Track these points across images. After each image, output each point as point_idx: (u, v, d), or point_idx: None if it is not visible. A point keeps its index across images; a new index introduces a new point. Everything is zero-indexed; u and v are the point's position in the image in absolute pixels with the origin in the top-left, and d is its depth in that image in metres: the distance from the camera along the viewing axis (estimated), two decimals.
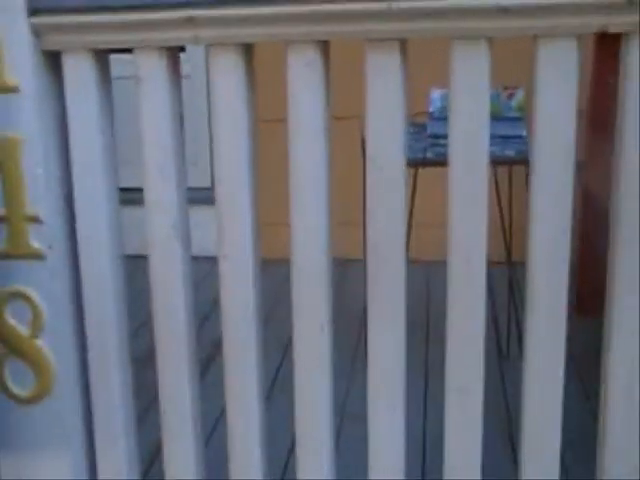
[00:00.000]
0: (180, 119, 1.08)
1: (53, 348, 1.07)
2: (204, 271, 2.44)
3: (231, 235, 1.07)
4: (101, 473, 1.15)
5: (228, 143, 1.06)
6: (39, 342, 1.07)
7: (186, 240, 1.10)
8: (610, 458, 1.05)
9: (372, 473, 1.11)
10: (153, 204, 1.08)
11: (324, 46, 1.02)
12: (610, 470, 1.06)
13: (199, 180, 3.44)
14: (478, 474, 1.08)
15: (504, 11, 0.95)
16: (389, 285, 1.05)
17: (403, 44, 1.00)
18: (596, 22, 0.95)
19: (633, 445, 1.04)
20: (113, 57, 1.10)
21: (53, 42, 1.04)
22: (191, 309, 1.12)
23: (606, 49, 2.47)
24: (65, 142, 1.08)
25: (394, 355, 1.07)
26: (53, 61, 1.06)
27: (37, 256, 1.05)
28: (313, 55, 1.01)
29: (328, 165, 1.04)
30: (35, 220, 1.05)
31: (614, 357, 1.03)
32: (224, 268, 1.09)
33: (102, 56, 1.07)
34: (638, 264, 1.00)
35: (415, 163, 2.29)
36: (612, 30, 0.95)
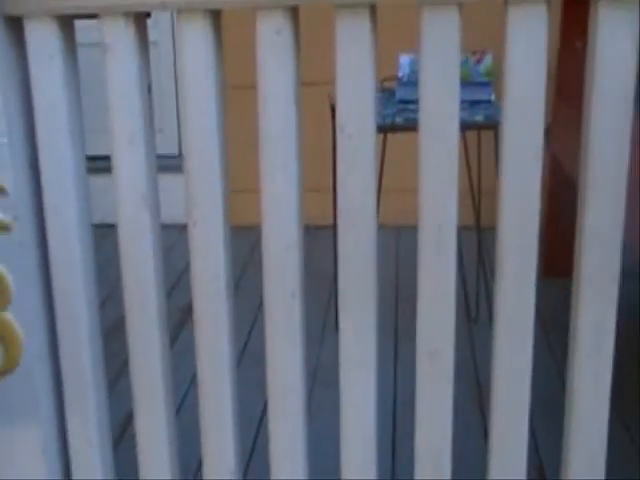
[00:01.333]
0: (148, 87, 1.07)
1: (21, 320, 1.06)
2: (171, 239, 2.44)
3: (201, 202, 1.07)
4: (72, 443, 1.15)
5: (196, 110, 1.04)
6: (7, 315, 1.06)
7: (155, 210, 1.09)
8: (577, 420, 1.07)
9: (344, 441, 1.11)
10: (122, 174, 1.07)
11: (293, 13, 1.01)
12: (576, 433, 1.07)
13: (166, 147, 3.42)
14: (449, 438, 1.09)
15: None
16: (360, 252, 1.05)
17: (373, 10, 0.99)
18: None
19: (601, 407, 1.06)
20: (80, 23, 1.08)
21: (14, 6, 1.02)
22: (161, 278, 1.11)
23: (574, 13, 2.48)
24: (30, 111, 1.06)
25: (365, 320, 1.07)
26: (15, 26, 1.04)
27: (2, 227, 1.04)
28: (282, 22, 1.00)
29: (298, 133, 1.04)
30: (0, 191, 1.03)
31: (581, 317, 1.04)
32: (194, 235, 1.08)
33: (67, 22, 1.05)
34: (605, 227, 1.01)
35: (384, 129, 2.29)
36: None
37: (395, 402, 2.10)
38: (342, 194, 1.04)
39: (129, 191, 1.07)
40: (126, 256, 1.09)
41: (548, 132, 2.64)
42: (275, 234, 1.06)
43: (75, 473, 1.16)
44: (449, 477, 1.11)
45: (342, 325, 1.08)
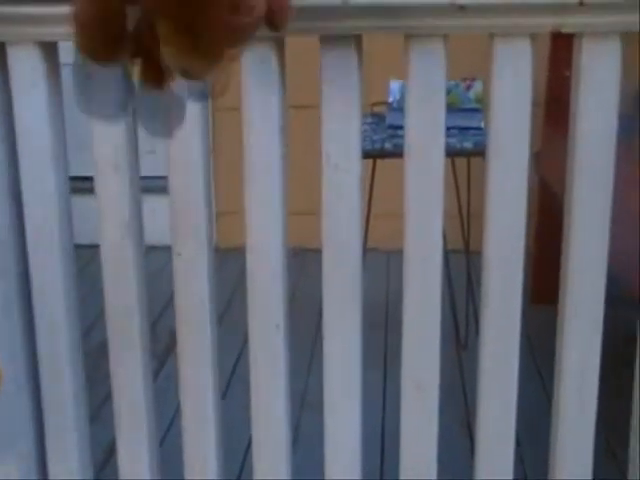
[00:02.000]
0: (133, 111, 1.06)
1: (1, 350, 1.05)
2: (163, 260, 2.42)
3: (185, 229, 1.06)
4: (52, 475, 1.14)
5: (181, 132, 1.04)
6: None
7: (139, 238, 1.08)
8: (562, 446, 1.06)
9: (329, 469, 1.10)
10: (105, 201, 1.06)
11: (279, 43, 1.01)
12: (562, 458, 1.07)
13: (157, 169, 3.41)
14: (434, 470, 1.09)
15: (460, 9, 0.94)
16: (345, 280, 1.05)
17: (358, 40, 0.99)
18: (550, 22, 0.95)
19: (586, 428, 1.05)
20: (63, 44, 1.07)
21: None
22: (145, 306, 1.10)
23: (562, 43, 2.49)
24: (12, 135, 1.05)
25: (350, 346, 1.07)
26: None
27: None
28: (267, 52, 1.00)
29: (283, 159, 1.03)
30: None
31: (567, 342, 1.04)
32: (178, 266, 1.07)
33: (50, 47, 1.04)
34: (591, 252, 1.01)
35: (373, 155, 2.29)
36: (565, 30, 0.95)
37: (383, 431, 2.09)
38: (328, 223, 1.03)
39: (112, 218, 1.07)
40: (108, 284, 1.09)
41: (537, 157, 2.65)
42: (259, 263, 1.06)
43: None
44: None
45: (326, 351, 1.08)
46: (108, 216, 1.06)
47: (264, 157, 1.02)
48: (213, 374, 1.10)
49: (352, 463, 1.10)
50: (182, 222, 1.06)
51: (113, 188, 1.05)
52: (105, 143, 1.04)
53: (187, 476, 1.13)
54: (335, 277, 1.05)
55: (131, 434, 1.12)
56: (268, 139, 1.01)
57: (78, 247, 1.12)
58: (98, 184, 1.06)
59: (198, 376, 1.10)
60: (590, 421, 1.06)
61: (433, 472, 1.09)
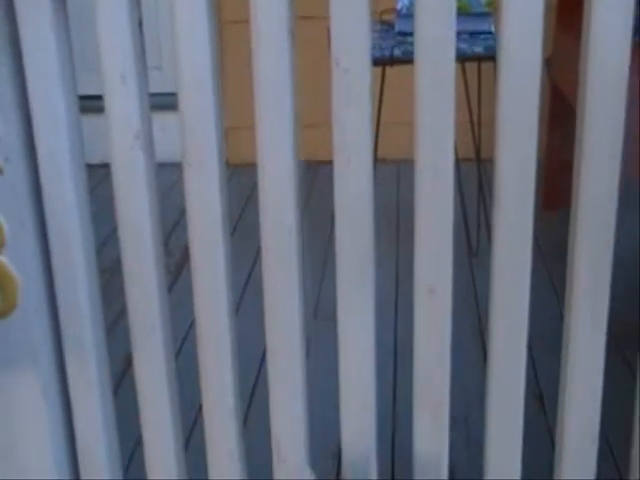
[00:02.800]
0: (139, 23, 1.04)
1: (17, 262, 1.06)
2: (173, 177, 2.43)
3: (195, 142, 1.05)
4: (72, 384, 1.16)
5: (189, 46, 1.02)
6: (1, 257, 1.05)
7: (149, 149, 1.07)
8: (574, 354, 1.07)
9: (343, 381, 1.12)
10: (114, 113, 1.05)
11: None
12: (573, 366, 1.08)
13: (164, 85, 3.37)
14: (447, 374, 1.10)
15: None
16: (356, 187, 1.04)
17: None
18: None
19: (597, 341, 1.06)
20: None
21: None
22: (157, 219, 1.10)
23: None
24: (17, 52, 1.03)
25: (362, 254, 1.07)
26: None
27: None
28: None
29: (292, 68, 1.01)
30: None
31: (579, 249, 1.03)
32: (189, 176, 1.07)
33: None
34: (603, 157, 1.00)
35: (383, 62, 2.26)
36: None
37: (395, 337, 2.12)
38: (337, 129, 1.02)
39: (122, 131, 1.05)
40: (120, 198, 1.08)
41: (549, 63, 2.60)
42: (271, 171, 1.05)
43: (76, 413, 1.17)
44: (447, 411, 1.11)
45: (339, 263, 1.08)
46: (117, 128, 1.05)
47: (273, 63, 1.00)
48: (227, 287, 1.10)
49: (365, 370, 1.11)
50: (192, 136, 1.04)
51: (121, 99, 1.04)
52: (112, 52, 1.02)
53: (203, 385, 1.15)
54: (345, 183, 1.04)
55: (146, 346, 1.14)
56: (277, 45, 0.99)
57: (88, 167, 1.12)
58: (107, 96, 1.04)
59: (212, 289, 1.10)
60: (601, 329, 1.06)
61: (446, 376, 1.10)
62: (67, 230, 1.09)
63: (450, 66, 0.99)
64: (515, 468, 1.13)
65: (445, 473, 1.14)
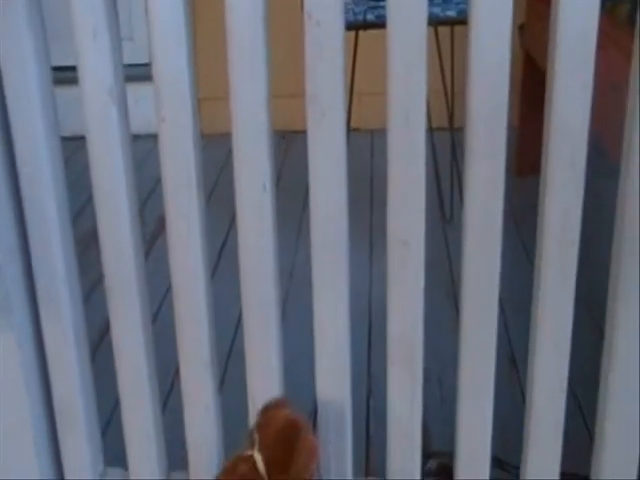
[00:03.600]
0: None
1: None
2: (145, 149, 2.42)
3: (170, 112, 1.05)
4: (48, 341, 1.17)
5: (162, 15, 1.02)
6: None
7: (123, 107, 1.06)
8: (543, 308, 1.09)
9: (318, 338, 1.14)
10: (87, 70, 1.04)
11: None
12: (543, 321, 1.10)
13: (136, 56, 3.34)
14: (420, 326, 1.11)
15: None
16: (329, 149, 1.04)
17: None
18: None
19: (566, 290, 1.09)
20: None
21: None
22: (132, 178, 1.09)
23: None
24: None
25: (336, 219, 1.08)
26: None
27: None
28: None
29: (266, 38, 1.02)
30: None
31: (548, 208, 1.05)
32: (164, 144, 1.07)
33: None
34: (572, 122, 1.01)
35: (355, 26, 2.26)
36: None
37: (370, 301, 2.14)
38: (310, 82, 1.02)
39: (95, 87, 1.04)
40: (96, 157, 1.08)
41: (522, 30, 2.61)
42: (245, 138, 1.05)
43: (52, 368, 1.18)
44: (421, 365, 1.13)
45: (313, 225, 1.09)
46: (90, 85, 1.04)
47: (247, 31, 1.00)
48: (203, 254, 1.11)
49: (340, 330, 1.13)
50: (167, 91, 1.04)
51: (94, 55, 1.03)
52: (83, 7, 1.01)
53: (180, 351, 1.16)
54: (319, 143, 1.04)
55: (124, 310, 1.15)
56: (251, 17, 0.99)
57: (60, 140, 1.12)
58: (79, 53, 1.03)
59: (188, 256, 1.11)
60: (570, 285, 1.08)
61: (420, 329, 1.11)
62: (43, 204, 1.09)
63: (422, 29, 0.99)
64: (487, 426, 1.16)
65: (418, 429, 1.16)
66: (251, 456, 1.07)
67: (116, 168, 1.08)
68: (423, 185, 1.05)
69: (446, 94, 2.60)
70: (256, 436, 1.08)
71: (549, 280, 1.07)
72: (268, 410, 1.11)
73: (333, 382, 1.16)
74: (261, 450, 1.07)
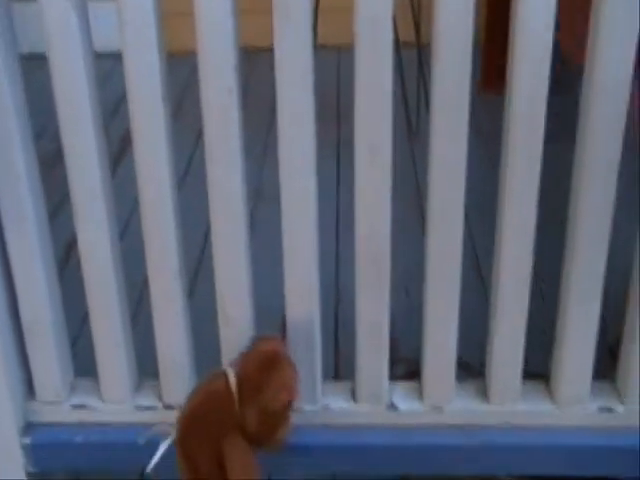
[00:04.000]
0: None
1: None
2: (107, 68, 2.39)
3: (134, 27, 1.03)
4: (14, 263, 1.16)
5: None
6: None
7: (84, 14, 1.03)
8: (509, 201, 1.10)
9: (286, 250, 1.14)
10: None
11: None
12: (510, 210, 1.11)
13: None
14: (387, 228, 1.12)
15: None
16: (296, 71, 1.04)
17: None
18: None
19: (528, 209, 1.10)
20: None
21: None
22: (94, 84, 1.07)
23: None
24: None
25: (303, 135, 1.07)
26: None
27: None
28: None
29: None
30: None
31: (516, 95, 1.04)
32: (128, 61, 1.05)
33: None
34: (537, 30, 1.00)
35: None
36: None
37: (338, 211, 2.16)
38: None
39: None
40: (57, 69, 1.06)
41: None
42: (210, 57, 1.04)
43: (18, 286, 1.18)
44: (388, 266, 1.15)
45: (281, 141, 1.08)
46: None
47: None
48: (169, 162, 1.11)
49: (309, 248, 1.14)
50: (130, 17, 1.02)
51: None
52: None
53: (149, 262, 1.17)
54: (286, 65, 1.04)
55: (91, 226, 1.14)
56: None
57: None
58: None
59: (154, 167, 1.10)
60: (535, 178, 1.09)
61: (387, 235, 1.13)
62: (6, 123, 1.07)
63: None
64: (452, 331, 1.19)
65: (386, 331, 1.19)
66: (224, 371, 1.10)
67: (79, 79, 1.07)
68: (390, 92, 1.05)
69: (413, 10, 2.58)
70: (237, 358, 1.12)
71: (515, 170, 1.08)
72: (257, 340, 1.14)
73: (302, 296, 1.17)
74: (237, 368, 1.11)
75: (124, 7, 1.03)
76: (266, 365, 1.08)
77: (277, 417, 1.10)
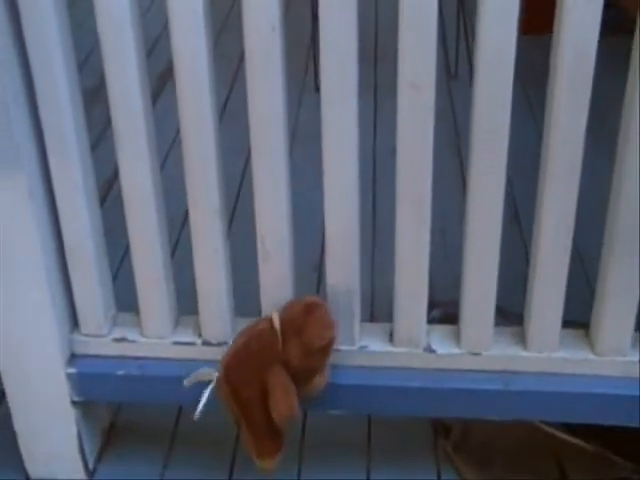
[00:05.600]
0: None
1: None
2: (144, 4, 2.37)
3: None
4: (57, 187, 1.16)
5: None
6: None
7: None
8: (553, 157, 1.08)
9: (327, 182, 1.13)
10: None
11: None
12: (552, 170, 1.09)
13: None
14: (429, 166, 1.10)
15: None
16: (340, 10, 1.02)
17: None
18: None
19: (574, 155, 1.08)
20: None
21: None
22: (139, 26, 1.06)
23: None
24: None
25: (345, 78, 1.06)
26: None
27: None
28: None
29: None
30: None
31: (562, 50, 1.02)
32: None
33: None
34: None
35: None
36: None
37: (374, 152, 2.15)
38: None
39: None
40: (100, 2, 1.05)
41: None
42: None
43: (62, 216, 1.19)
44: (429, 207, 1.13)
45: (323, 77, 1.07)
46: None
47: None
48: (211, 99, 1.10)
49: (349, 185, 1.13)
50: None
51: None
52: None
53: (190, 196, 1.16)
54: (330, 6, 1.02)
55: (133, 159, 1.14)
56: None
57: None
58: None
59: (196, 102, 1.09)
60: (581, 129, 1.07)
61: (428, 173, 1.11)
62: (44, 32, 1.06)
63: None
64: (492, 278, 1.17)
65: (425, 273, 1.18)
66: (269, 317, 1.15)
67: (122, 12, 1.05)
68: (435, 30, 1.03)
69: None
70: (279, 308, 1.17)
71: (560, 128, 1.06)
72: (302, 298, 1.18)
73: (341, 236, 1.16)
74: (281, 313, 1.16)
75: None
76: (308, 309, 1.13)
77: (318, 356, 1.14)
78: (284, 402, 1.12)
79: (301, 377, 1.15)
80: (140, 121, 1.12)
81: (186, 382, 1.19)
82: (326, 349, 1.14)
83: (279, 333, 1.13)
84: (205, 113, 1.10)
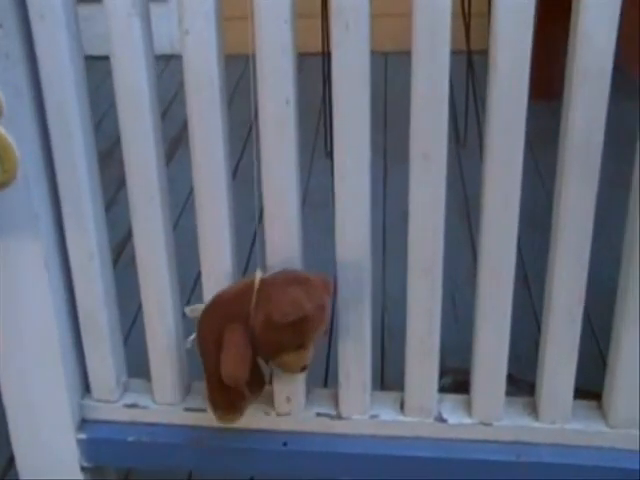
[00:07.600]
0: None
1: (15, 134, 1.02)
2: (157, 70, 2.41)
3: (193, 22, 1.04)
4: (72, 256, 1.17)
5: None
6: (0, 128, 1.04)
7: (146, 20, 1.04)
8: (563, 225, 1.09)
9: (339, 248, 1.14)
10: None
11: None
12: (563, 234, 1.09)
13: None
14: (441, 236, 1.11)
15: None
16: (353, 77, 1.04)
17: None
18: None
19: (586, 219, 1.09)
20: None
21: None
22: (154, 90, 1.09)
23: None
24: None
25: (359, 141, 1.08)
26: None
27: None
28: None
29: None
30: None
31: (570, 138, 1.04)
32: (188, 57, 1.06)
33: None
34: (599, 43, 0.99)
35: None
36: None
37: (384, 220, 2.16)
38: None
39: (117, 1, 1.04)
40: (119, 68, 1.07)
41: None
42: (268, 55, 1.04)
43: (77, 284, 1.19)
44: (440, 275, 1.14)
45: (337, 147, 1.08)
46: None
47: None
48: (224, 154, 1.11)
49: (360, 248, 1.14)
50: (190, 14, 1.03)
51: None
52: None
53: (203, 261, 1.17)
54: (344, 73, 1.04)
55: (145, 222, 1.15)
56: None
57: None
58: None
59: (211, 157, 1.11)
60: (592, 194, 1.07)
61: (440, 243, 1.12)
62: (65, 102, 1.08)
63: None
64: (504, 345, 1.17)
65: (436, 343, 1.17)
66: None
67: (139, 79, 1.07)
68: (446, 99, 1.04)
69: (464, 18, 2.57)
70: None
71: (571, 191, 1.07)
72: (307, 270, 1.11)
73: (353, 301, 1.16)
74: (271, 275, 1.10)
75: (185, 14, 1.04)
76: (291, 280, 1.07)
77: (285, 333, 1.05)
78: (231, 361, 1.05)
79: (265, 348, 1.08)
80: (154, 184, 1.13)
81: (188, 344, 1.16)
82: (297, 328, 1.04)
83: (255, 294, 1.05)
84: (219, 179, 1.12)
